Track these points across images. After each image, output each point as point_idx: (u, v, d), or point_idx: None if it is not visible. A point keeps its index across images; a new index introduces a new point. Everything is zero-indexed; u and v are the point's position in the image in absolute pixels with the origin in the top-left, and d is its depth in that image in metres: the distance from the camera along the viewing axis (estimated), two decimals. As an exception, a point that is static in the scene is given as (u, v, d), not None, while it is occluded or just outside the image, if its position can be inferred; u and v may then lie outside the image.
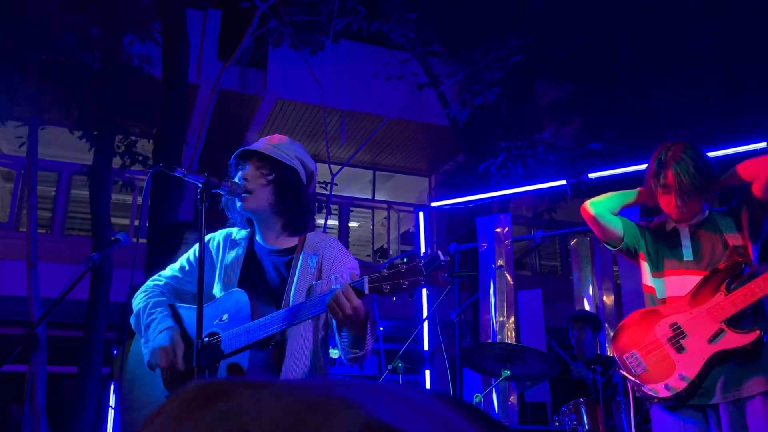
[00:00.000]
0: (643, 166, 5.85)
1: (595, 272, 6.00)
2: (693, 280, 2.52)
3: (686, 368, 2.41)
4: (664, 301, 2.58)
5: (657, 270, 2.63)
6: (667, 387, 2.42)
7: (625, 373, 2.55)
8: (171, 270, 2.35)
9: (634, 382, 2.53)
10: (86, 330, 6.82)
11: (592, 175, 5.83)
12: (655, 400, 2.47)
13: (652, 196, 2.67)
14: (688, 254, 2.57)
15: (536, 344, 5.40)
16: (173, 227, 3.87)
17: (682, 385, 2.40)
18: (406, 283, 1.80)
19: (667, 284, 2.58)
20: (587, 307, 5.98)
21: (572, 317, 4.94)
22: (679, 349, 2.44)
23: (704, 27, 8.57)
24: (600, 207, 2.77)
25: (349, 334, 2.00)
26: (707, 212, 2.64)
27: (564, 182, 6.04)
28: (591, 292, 6.00)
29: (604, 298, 5.98)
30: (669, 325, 2.49)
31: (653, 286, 2.63)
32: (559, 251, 12.73)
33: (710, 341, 2.40)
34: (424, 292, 6.29)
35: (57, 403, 7.18)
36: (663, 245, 2.65)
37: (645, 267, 2.68)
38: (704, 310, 2.44)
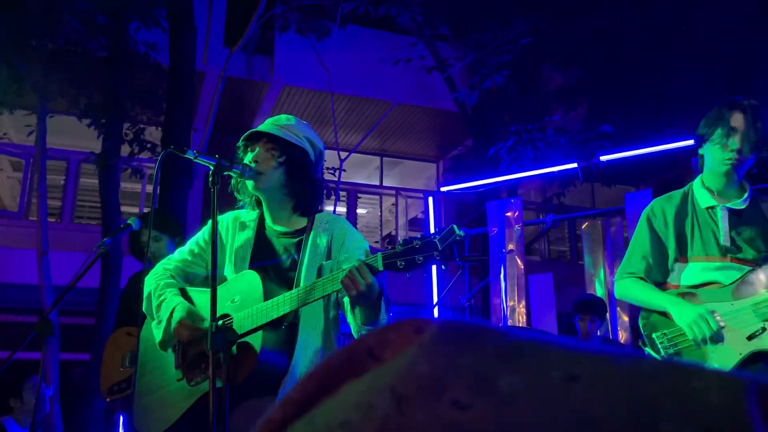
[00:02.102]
0: (654, 149, 5.79)
1: (607, 256, 5.97)
2: (729, 268, 2.37)
3: (720, 361, 2.28)
4: (689, 288, 2.42)
5: (681, 255, 2.47)
6: None
7: (651, 353, 2.42)
8: (180, 254, 2.35)
9: None
10: (97, 317, 6.85)
11: (603, 158, 5.78)
12: None
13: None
14: (725, 239, 2.40)
15: (547, 328, 5.38)
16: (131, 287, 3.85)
17: None
18: (421, 258, 1.78)
19: (693, 270, 2.43)
20: (598, 292, 5.95)
21: (578, 306, 4.79)
22: (704, 341, 2.29)
23: (713, 10, 8.47)
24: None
25: (363, 312, 1.99)
26: (749, 193, 2.45)
27: (575, 165, 5.99)
28: (602, 276, 5.97)
29: (616, 281, 5.95)
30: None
31: (676, 283, 2.47)
32: (568, 236, 12.68)
33: (749, 338, 2.26)
34: (435, 277, 6.28)
35: (69, 389, 7.24)
36: (694, 225, 2.47)
37: (678, 265, 2.51)
38: (749, 305, 2.29)
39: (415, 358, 0.29)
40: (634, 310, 5.87)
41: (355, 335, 2.08)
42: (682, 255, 2.48)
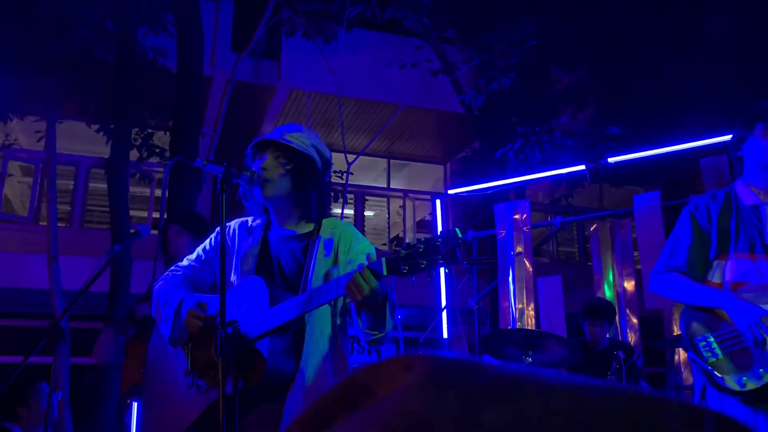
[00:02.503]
0: (662, 150, 5.76)
1: (615, 258, 5.95)
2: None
3: (767, 366, 2.22)
4: (732, 286, 2.36)
5: (722, 252, 2.42)
6: (740, 381, 2.23)
7: (694, 357, 2.36)
8: (188, 260, 2.37)
9: (704, 369, 2.33)
10: (107, 322, 6.88)
11: (611, 159, 5.76)
12: (727, 391, 2.28)
13: None
14: None
15: (557, 331, 5.37)
16: None
17: (760, 382, 2.20)
18: (424, 262, 1.79)
19: (736, 268, 2.38)
20: (607, 294, 5.93)
21: (587, 311, 4.75)
22: (763, 343, 2.22)
23: (722, 9, 8.42)
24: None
25: (368, 316, 2.02)
26: None
27: (583, 167, 5.98)
28: (611, 278, 5.95)
29: (625, 283, 5.92)
30: None
31: (710, 277, 2.44)
32: (576, 237, 12.65)
33: None
34: (443, 280, 6.28)
35: (80, 394, 7.27)
36: (738, 223, 2.43)
37: (716, 263, 2.47)
38: None
39: (406, 397, 0.31)
40: (643, 312, 5.85)
41: (362, 340, 2.09)
42: (723, 252, 2.43)
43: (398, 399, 0.31)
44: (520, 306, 5.52)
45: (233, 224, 2.36)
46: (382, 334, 2.03)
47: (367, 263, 1.89)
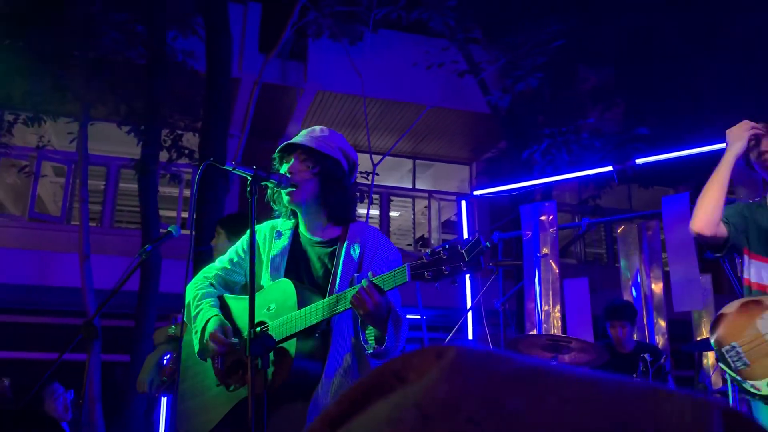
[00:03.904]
0: (691, 151, 5.69)
1: (644, 259, 5.89)
2: None
3: None
4: (760, 288, 2.39)
5: (760, 254, 2.44)
6: None
7: (722, 366, 2.38)
8: (220, 262, 2.42)
9: (733, 377, 2.34)
10: (137, 320, 7.01)
11: (639, 161, 5.71)
12: (757, 397, 2.29)
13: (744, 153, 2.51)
14: None
15: (583, 333, 5.33)
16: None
17: None
18: (448, 269, 1.81)
19: (758, 269, 2.40)
20: (634, 295, 5.87)
21: (608, 312, 4.71)
22: None
23: (753, 8, 8.27)
24: (708, 218, 2.45)
25: (372, 330, 2.07)
26: None
27: (610, 168, 5.93)
28: (639, 280, 5.89)
29: (653, 285, 5.86)
30: None
31: (748, 276, 2.45)
32: (604, 239, 12.52)
33: None
34: (468, 281, 6.28)
35: (111, 390, 7.42)
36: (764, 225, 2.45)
37: (746, 259, 2.49)
38: None
39: (436, 381, 0.34)
40: (671, 315, 5.78)
41: (365, 352, 2.12)
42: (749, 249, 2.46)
43: (428, 383, 0.34)
44: (546, 308, 5.50)
45: (263, 227, 2.40)
46: (383, 349, 2.05)
47: (371, 279, 1.94)
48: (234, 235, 3.37)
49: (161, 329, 3.76)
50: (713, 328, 2.43)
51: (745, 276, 2.48)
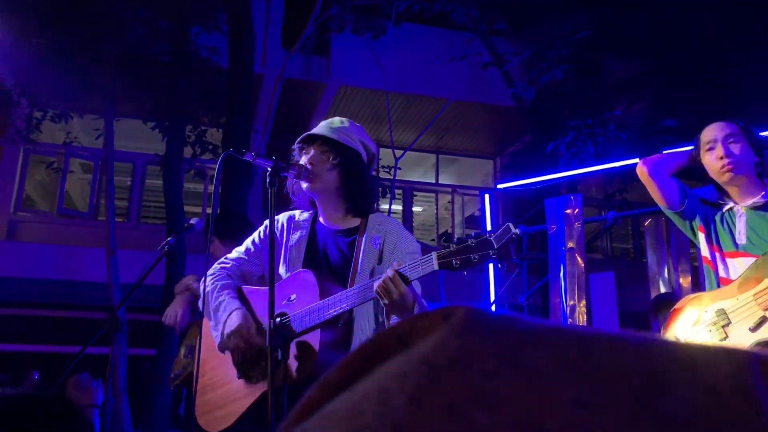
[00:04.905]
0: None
1: (671, 254, 5.78)
2: (747, 264, 2.37)
3: None
4: (719, 281, 2.46)
5: (717, 246, 2.52)
6: None
7: None
8: (237, 252, 2.40)
9: None
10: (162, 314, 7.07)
11: (667, 153, 5.59)
12: None
13: (699, 161, 2.61)
14: (741, 239, 2.43)
15: (609, 328, 5.25)
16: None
17: None
18: (477, 257, 1.76)
19: (730, 266, 2.45)
20: (662, 290, 5.77)
21: (657, 304, 4.59)
22: (723, 337, 2.28)
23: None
24: (655, 166, 2.71)
25: (397, 320, 2.01)
26: (766, 196, 2.47)
27: (637, 161, 5.81)
28: (666, 275, 5.78)
29: (681, 280, 5.75)
30: (715, 311, 2.33)
31: (712, 260, 2.51)
32: (631, 233, 12.34)
33: (752, 330, 2.22)
34: (492, 275, 6.22)
35: (137, 383, 7.50)
36: (720, 225, 2.53)
37: (702, 239, 2.56)
38: (750, 296, 2.26)
39: (446, 336, 0.32)
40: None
41: None
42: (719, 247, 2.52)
43: (437, 338, 0.32)
44: (572, 302, 5.42)
45: (281, 217, 2.38)
46: None
47: (397, 268, 1.89)
48: (225, 238, 3.38)
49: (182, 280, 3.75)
50: (667, 323, 2.48)
51: (706, 255, 2.55)
